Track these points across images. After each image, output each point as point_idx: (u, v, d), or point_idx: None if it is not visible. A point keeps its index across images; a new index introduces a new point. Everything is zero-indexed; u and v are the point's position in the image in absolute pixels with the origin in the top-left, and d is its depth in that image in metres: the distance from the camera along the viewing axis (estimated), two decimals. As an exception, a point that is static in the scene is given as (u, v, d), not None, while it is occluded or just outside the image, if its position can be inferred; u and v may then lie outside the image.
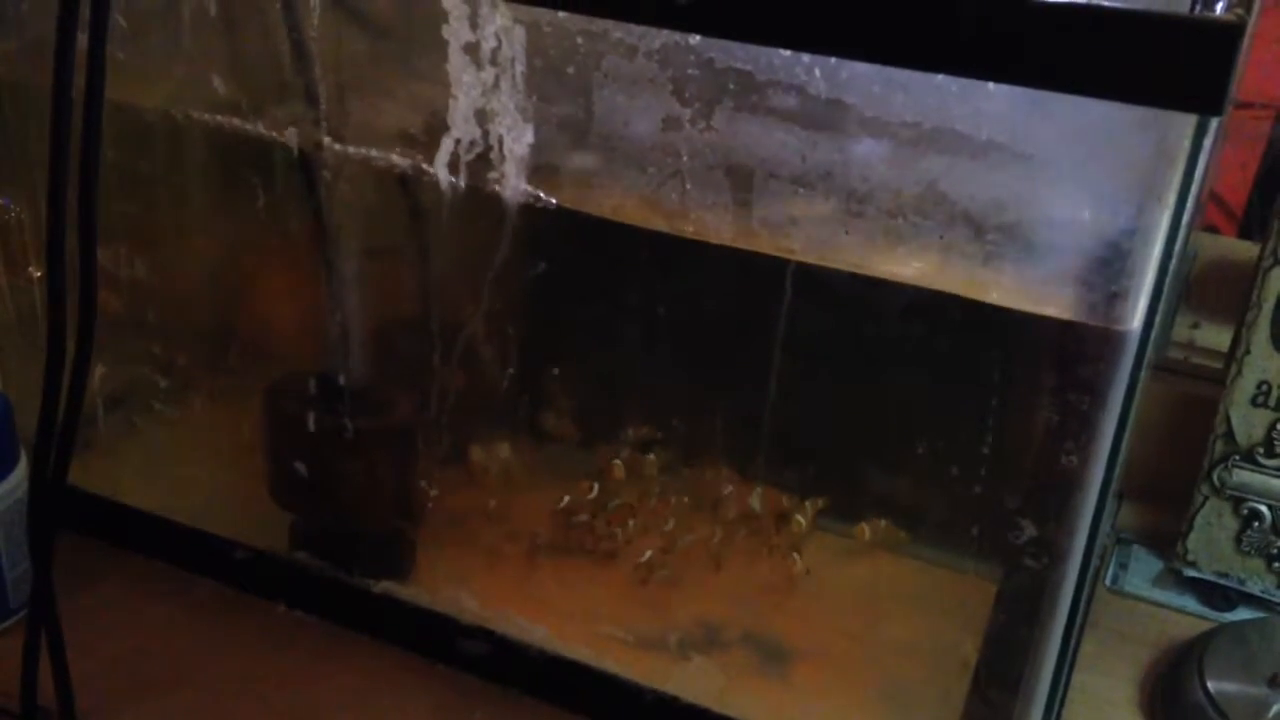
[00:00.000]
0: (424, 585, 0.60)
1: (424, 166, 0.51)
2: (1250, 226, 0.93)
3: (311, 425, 0.59)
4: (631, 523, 0.61)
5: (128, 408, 0.66)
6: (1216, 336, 0.74)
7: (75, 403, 0.49)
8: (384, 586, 0.61)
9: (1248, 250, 0.77)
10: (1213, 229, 0.94)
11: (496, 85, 0.48)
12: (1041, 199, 0.44)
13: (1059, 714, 0.56)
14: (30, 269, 0.64)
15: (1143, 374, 0.44)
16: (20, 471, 0.59)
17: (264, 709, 0.57)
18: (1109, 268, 0.42)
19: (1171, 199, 0.41)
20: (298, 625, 0.62)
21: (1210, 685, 0.59)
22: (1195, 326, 0.77)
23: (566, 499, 0.61)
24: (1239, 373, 0.64)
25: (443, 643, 0.59)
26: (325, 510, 0.62)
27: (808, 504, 0.59)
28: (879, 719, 0.56)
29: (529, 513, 0.63)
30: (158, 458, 0.66)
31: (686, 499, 0.60)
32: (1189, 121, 0.39)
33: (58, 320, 0.48)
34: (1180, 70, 0.37)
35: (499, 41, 0.47)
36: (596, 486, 0.61)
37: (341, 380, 0.58)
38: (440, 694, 0.58)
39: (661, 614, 0.59)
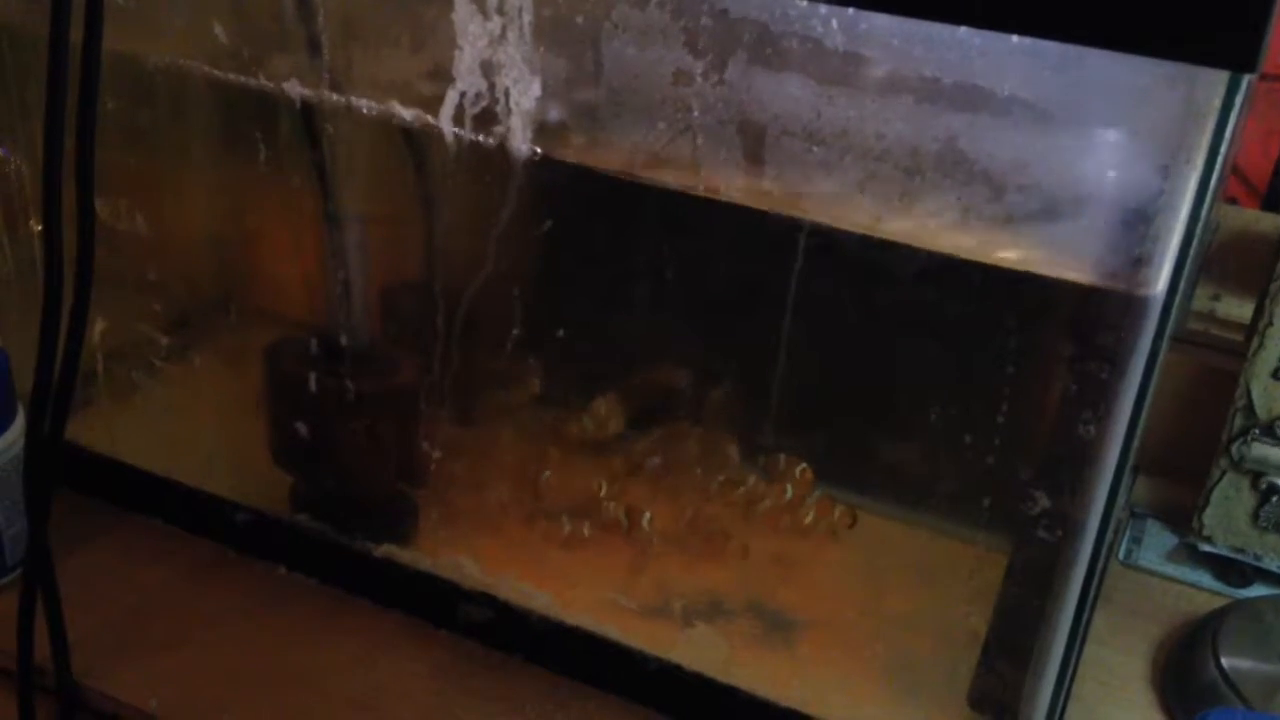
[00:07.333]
0: (425, 549, 0.60)
1: (428, 120, 0.50)
2: (1274, 200, 0.91)
3: (313, 386, 0.58)
4: (633, 488, 0.60)
5: (128, 365, 0.65)
6: (1238, 309, 0.73)
7: (72, 357, 0.48)
8: (385, 550, 0.60)
9: (1271, 222, 0.76)
10: (1233, 202, 0.92)
11: (503, 36, 0.47)
12: (1064, 158, 0.43)
13: (1069, 688, 0.55)
14: (30, 222, 0.63)
15: (1164, 343, 0.43)
16: (17, 427, 0.58)
17: (262, 671, 0.57)
18: (1133, 230, 0.41)
19: (1200, 161, 0.40)
20: (298, 588, 0.62)
21: (1225, 662, 0.58)
22: (1216, 298, 0.75)
23: (580, 438, 0.60)
24: (1260, 345, 0.63)
25: (444, 607, 0.59)
26: (327, 473, 0.62)
27: (797, 471, 0.58)
28: (886, 690, 0.56)
29: (532, 477, 0.62)
30: (158, 416, 0.66)
31: (689, 465, 0.59)
32: (1220, 79, 0.38)
33: (55, 273, 0.47)
34: (1212, 24, 0.35)
35: (506, -10, 0.46)
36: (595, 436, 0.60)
37: (343, 341, 0.58)
38: (440, 659, 0.58)
39: (665, 582, 0.58)
